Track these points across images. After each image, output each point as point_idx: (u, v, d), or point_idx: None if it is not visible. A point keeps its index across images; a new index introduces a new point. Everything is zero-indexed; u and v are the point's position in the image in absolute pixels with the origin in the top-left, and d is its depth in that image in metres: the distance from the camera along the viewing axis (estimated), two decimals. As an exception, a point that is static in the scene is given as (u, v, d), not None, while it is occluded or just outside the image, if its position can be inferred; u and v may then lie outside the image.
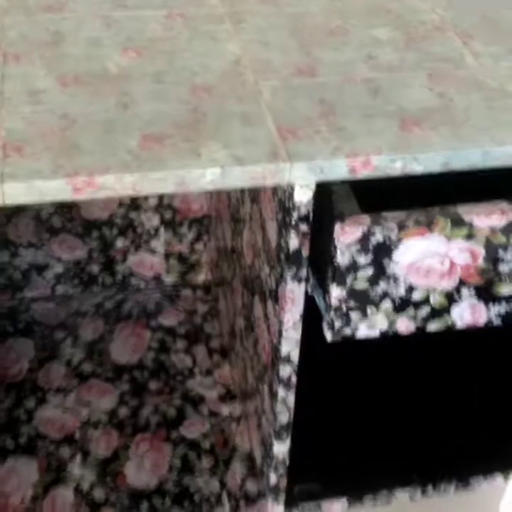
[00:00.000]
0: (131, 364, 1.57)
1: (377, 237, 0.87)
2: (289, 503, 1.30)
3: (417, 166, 0.93)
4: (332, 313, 0.93)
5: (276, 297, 1.07)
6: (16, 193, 0.85)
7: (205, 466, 1.39)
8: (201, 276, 1.74)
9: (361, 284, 0.91)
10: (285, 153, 0.91)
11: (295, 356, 1.09)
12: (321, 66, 1.07)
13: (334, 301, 0.92)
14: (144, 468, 1.38)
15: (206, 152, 0.90)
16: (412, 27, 1.16)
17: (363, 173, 0.92)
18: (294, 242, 0.97)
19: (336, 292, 0.91)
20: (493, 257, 0.93)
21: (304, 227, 0.96)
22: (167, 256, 1.69)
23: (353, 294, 0.92)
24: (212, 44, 1.10)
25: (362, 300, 0.93)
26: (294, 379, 1.12)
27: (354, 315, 0.94)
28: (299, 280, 1.00)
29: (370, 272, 0.91)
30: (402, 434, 1.38)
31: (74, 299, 1.68)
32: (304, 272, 0.99)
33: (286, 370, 1.10)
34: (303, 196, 0.93)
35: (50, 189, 0.85)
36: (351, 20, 1.17)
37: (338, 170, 0.91)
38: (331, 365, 1.37)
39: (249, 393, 1.37)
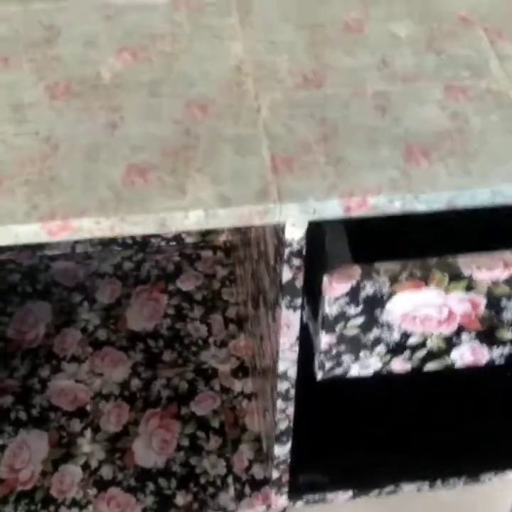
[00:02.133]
0: (147, 331, 1.56)
1: (368, 290, 0.82)
2: (293, 494, 1.31)
3: (419, 205, 0.87)
4: (322, 355, 0.89)
5: (273, 315, 1.03)
6: (-10, 236, 0.81)
7: (213, 446, 1.40)
8: (222, 237, 1.70)
9: (352, 331, 0.87)
10: (276, 191, 0.85)
11: (292, 373, 1.06)
12: (330, 73, 0.99)
13: (324, 346, 0.88)
14: (152, 446, 1.40)
15: (192, 189, 0.85)
16: (436, 19, 1.06)
17: (359, 213, 0.86)
18: (287, 274, 0.92)
19: (326, 338, 0.87)
20: (495, 306, 0.87)
21: (296, 262, 0.91)
22: (187, 218, 1.65)
23: (343, 339, 0.88)
24: (216, 44, 1.02)
25: (353, 345, 0.89)
26: (292, 392, 1.09)
27: (346, 357, 0.90)
28: (294, 308, 0.96)
29: (360, 320, 0.86)
30: (410, 429, 1.36)
31: (93, 258, 1.67)
32: (298, 301, 0.95)
33: (284, 385, 1.08)
34: (295, 234, 0.88)
35: (23, 233, 0.82)
36: (371, 9, 1.07)
37: (332, 210, 0.86)
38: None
39: (257, 377, 1.36)
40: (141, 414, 1.44)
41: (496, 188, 0.86)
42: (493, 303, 0.86)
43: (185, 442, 1.40)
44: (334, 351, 0.89)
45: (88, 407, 1.44)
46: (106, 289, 1.63)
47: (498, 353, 0.92)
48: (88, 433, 1.41)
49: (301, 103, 0.95)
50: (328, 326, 0.85)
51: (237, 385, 1.48)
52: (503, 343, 0.91)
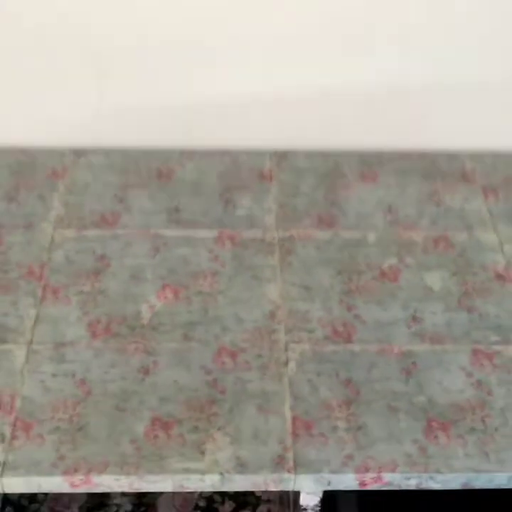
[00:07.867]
0: (177, 522, 1.56)
1: None
2: None
3: (434, 484, 0.87)
4: None
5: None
6: (15, 485, 0.85)
7: None
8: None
9: None
10: (292, 459, 0.87)
11: None
12: (360, 327, 1.02)
13: None
14: None
15: (211, 449, 0.88)
16: (471, 272, 1.09)
17: (374, 487, 0.87)
18: (302, 537, 0.93)
19: None
20: None
21: (311, 524, 0.92)
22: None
23: None
24: (254, 285, 1.07)
25: None
26: None
27: None
28: (309, 562, 0.96)
29: None
30: None
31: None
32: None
33: None
34: (309, 500, 0.90)
35: (48, 484, 0.85)
36: (408, 256, 1.11)
37: (348, 483, 0.87)
38: None
39: None
40: None
41: (512, 474, 0.87)
42: None
43: None
44: None
45: None
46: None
47: None
48: None
49: (328, 358, 0.98)
50: None
51: None
52: None
